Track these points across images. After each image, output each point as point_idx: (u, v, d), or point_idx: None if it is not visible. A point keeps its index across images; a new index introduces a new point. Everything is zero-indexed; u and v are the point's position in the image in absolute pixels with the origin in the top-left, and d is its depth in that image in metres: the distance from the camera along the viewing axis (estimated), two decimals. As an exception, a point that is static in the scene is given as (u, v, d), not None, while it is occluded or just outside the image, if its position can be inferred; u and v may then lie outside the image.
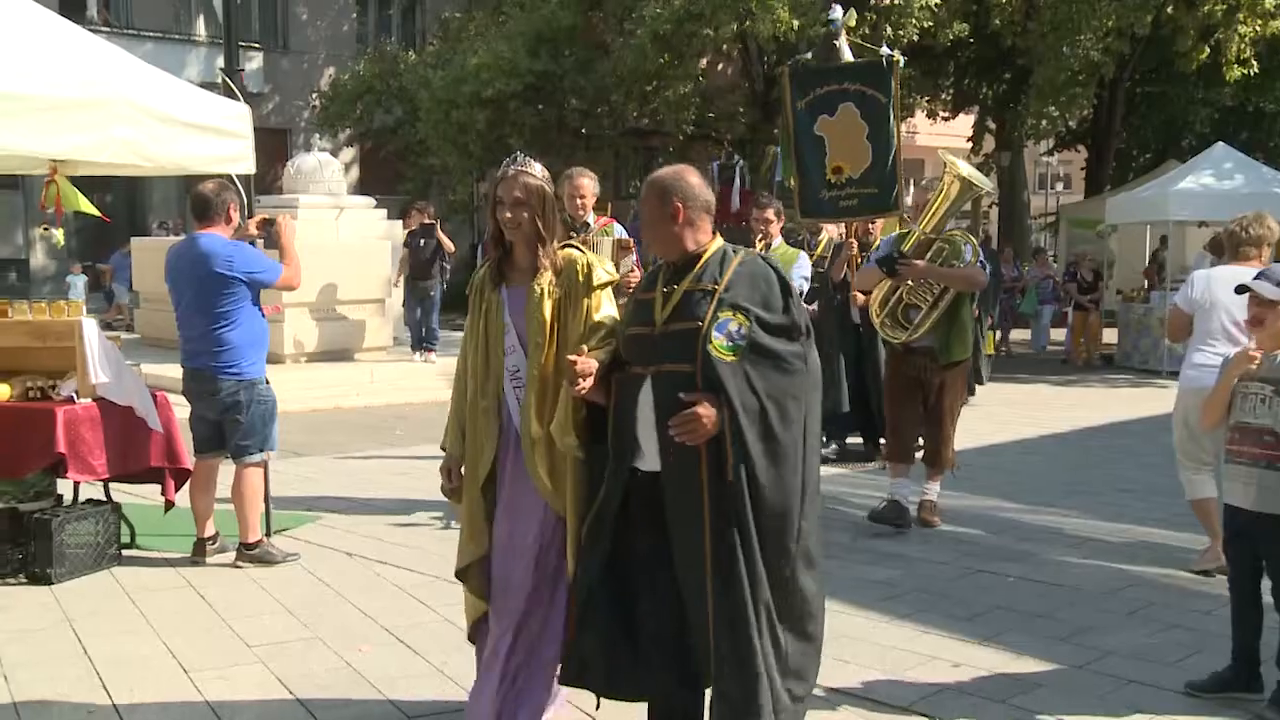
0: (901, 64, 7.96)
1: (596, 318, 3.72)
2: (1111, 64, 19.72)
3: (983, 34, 20.46)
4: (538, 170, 3.78)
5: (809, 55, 9.19)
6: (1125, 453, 9.93)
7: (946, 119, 26.59)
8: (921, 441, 7.25)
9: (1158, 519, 7.26)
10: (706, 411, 3.27)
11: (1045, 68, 19.45)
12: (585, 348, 3.58)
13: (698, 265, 3.49)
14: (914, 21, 18.24)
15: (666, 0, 19.36)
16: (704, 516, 3.33)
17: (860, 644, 4.95)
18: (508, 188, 3.74)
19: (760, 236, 7.10)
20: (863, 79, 7.83)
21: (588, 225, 6.89)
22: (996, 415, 11.43)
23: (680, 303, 3.44)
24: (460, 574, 3.90)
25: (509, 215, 3.72)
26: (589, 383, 3.49)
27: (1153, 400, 13.19)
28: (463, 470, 3.92)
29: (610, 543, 3.51)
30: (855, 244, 8.46)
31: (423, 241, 14.45)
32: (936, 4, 18.34)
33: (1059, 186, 44.03)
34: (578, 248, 3.87)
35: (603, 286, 3.78)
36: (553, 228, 3.78)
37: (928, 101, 25.04)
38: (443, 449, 3.97)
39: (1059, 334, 19.80)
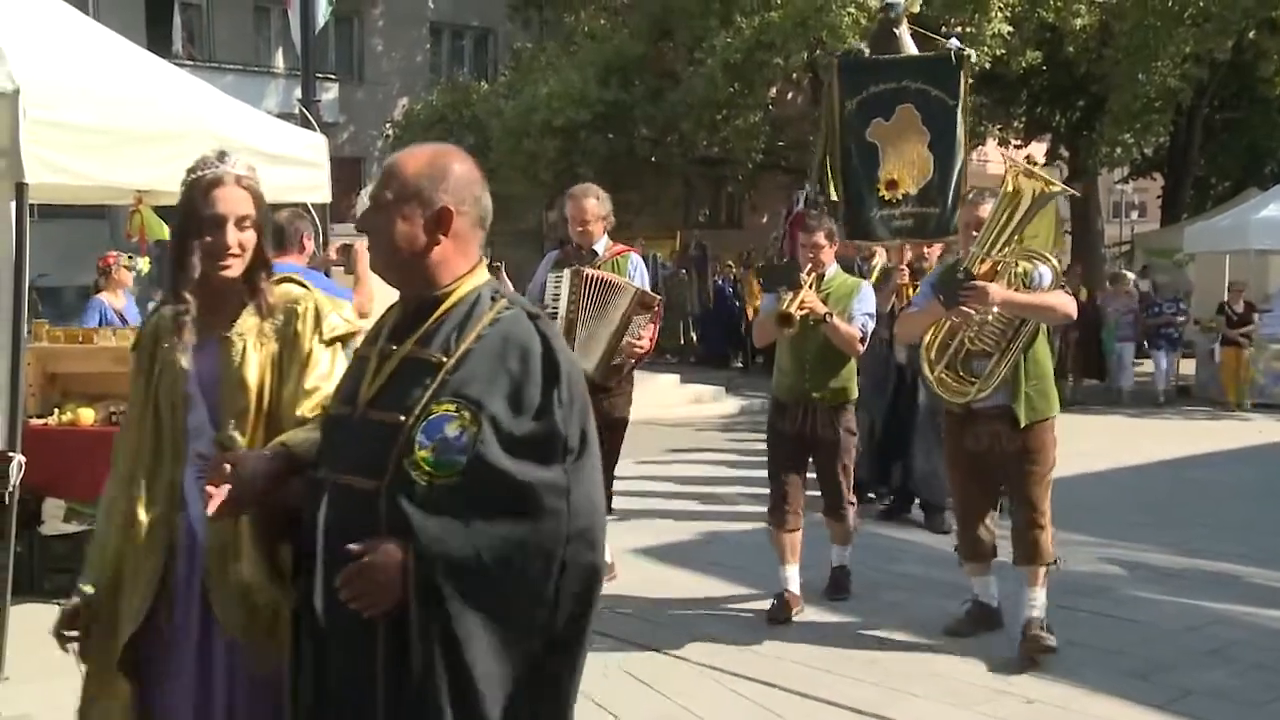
0: (973, 58, 6.99)
1: (307, 383, 2.57)
2: (1189, 90, 19.41)
3: (1056, 61, 20.26)
4: (245, 166, 2.72)
5: (863, 45, 7.92)
6: (1204, 486, 9.71)
7: (1018, 146, 26.31)
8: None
9: (1238, 554, 7.08)
10: (386, 563, 2.01)
11: (1120, 94, 19.20)
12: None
13: (435, 315, 2.18)
14: (986, 49, 18.11)
15: (737, 29, 19.43)
16: None
17: (931, 678, 4.89)
18: (228, 199, 2.61)
19: (809, 266, 5.63)
20: (926, 76, 6.64)
21: (594, 253, 5.94)
22: (1069, 447, 11.20)
23: (395, 375, 2.16)
24: None
25: (235, 239, 2.61)
26: (218, 499, 2.22)
27: (1232, 433, 12.90)
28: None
29: None
30: (907, 271, 7.21)
31: None
32: (1009, 31, 18.21)
33: (1134, 215, 43.31)
34: (300, 283, 2.77)
35: (333, 342, 2.65)
36: (267, 253, 2.72)
37: (999, 129, 24.82)
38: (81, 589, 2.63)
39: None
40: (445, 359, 2.11)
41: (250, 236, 2.64)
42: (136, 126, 5.64)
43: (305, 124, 7.21)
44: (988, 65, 18.31)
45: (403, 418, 2.07)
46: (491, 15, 28.59)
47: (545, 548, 2.06)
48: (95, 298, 8.29)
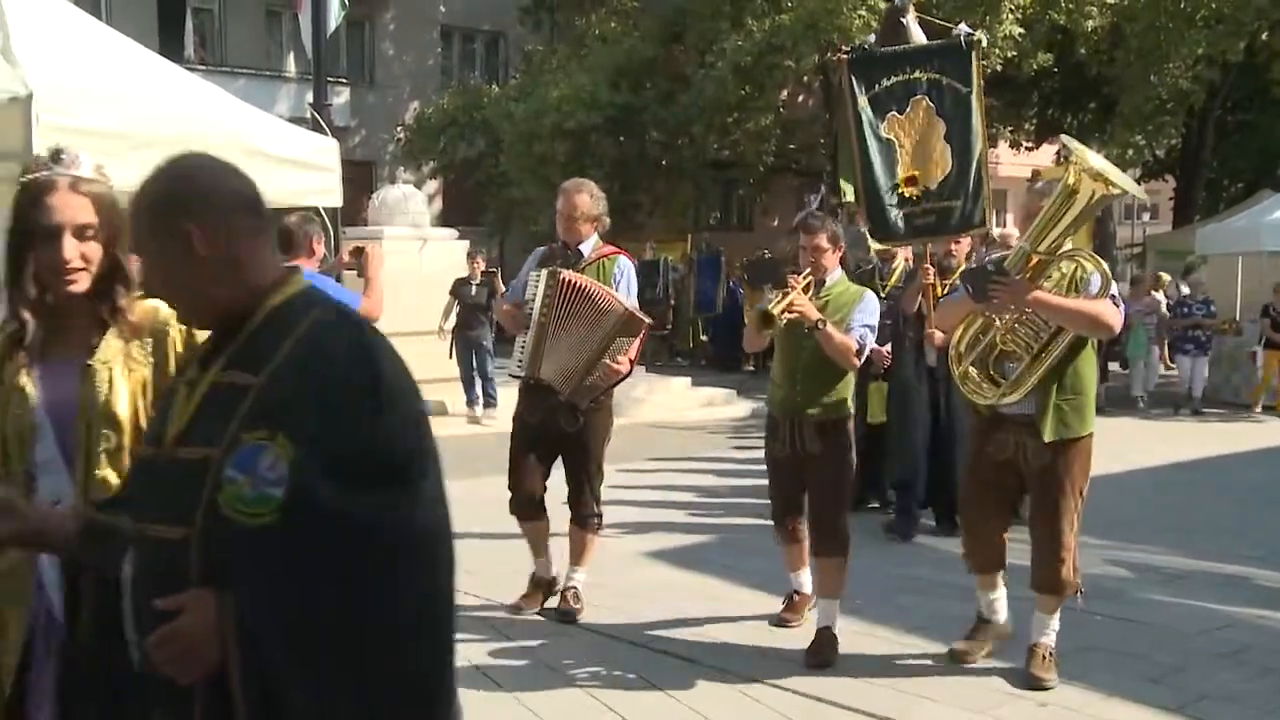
0: (983, 43, 6.61)
1: None
2: (1201, 92, 19.38)
3: (1067, 63, 20.24)
4: (91, 168, 2.40)
5: (871, 39, 7.59)
6: (1218, 489, 9.67)
7: (1030, 149, 26.31)
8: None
9: (1253, 557, 7.05)
10: (199, 624, 1.75)
11: (1132, 96, 19.18)
12: None
13: (241, 335, 1.91)
14: (998, 51, 18.10)
15: (747, 32, 19.45)
16: None
17: (943, 682, 4.87)
18: (63, 207, 2.30)
19: (807, 270, 5.21)
20: (937, 65, 6.44)
21: (580, 254, 5.53)
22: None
23: (203, 405, 1.88)
24: None
25: (75, 251, 2.30)
26: None
27: (1246, 436, 12.86)
28: None
29: None
30: (931, 270, 6.83)
31: (474, 289, 13.50)
32: (1020, 33, 18.19)
33: (1145, 217, 43.20)
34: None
35: None
36: (130, 264, 2.35)
37: (1011, 131, 24.80)
38: None
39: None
40: (255, 379, 1.82)
41: (94, 248, 2.32)
42: (149, 131, 5.66)
43: (316, 128, 7.23)
44: (999, 67, 18.31)
45: (211, 452, 1.79)
46: (502, 18, 28.64)
47: (379, 585, 1.79)
48: None
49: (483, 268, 14.16)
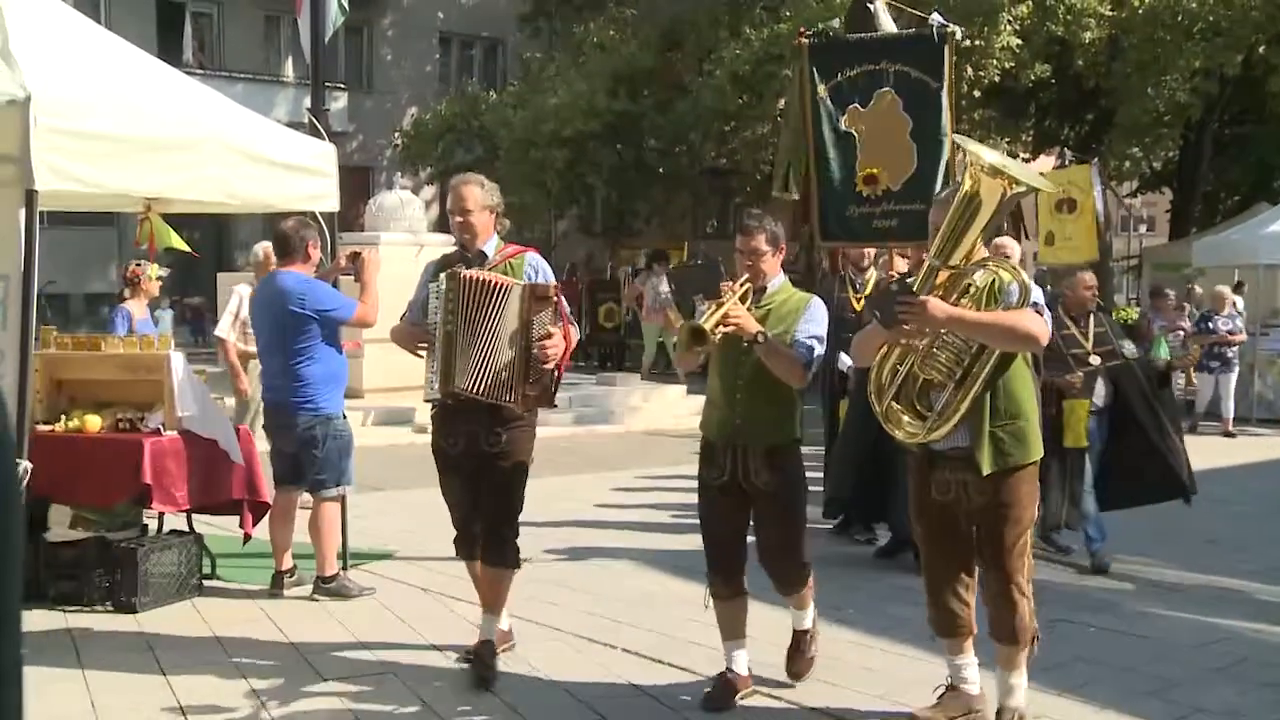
0: (958, 36, 6.12)
1: None
2: (1199, 105, 19.42)
3: (1065, 74, 20.28)
4: None
5: (836, 23, 7.05)
6: (1214, 502, 9.62)
7: (1027, 160, 26.37)
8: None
9: (1249, 571, 7.05)
10: None
11: (1129, 108, 19.23)
12: None
13: None
14: (995, 62, 18.14)
15: (745, 41, 19.48)
16: None
17: (935, 693, 4.85)
18: None
19: (744, 278, 4.58)
20: (907, 57, 5.96)
21: (484, 255, 4.99)
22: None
23: None
24: None
25: None
26: None
27: (1243, 449, 12.85)
28: None
29: None
30: (898, 276, 6.23)
31: None
32: (1018, 45, 18.23)
33: (1142, 229, 43.30)
34: None
35: None
36: None
37: (1008, 142, 24.84)
38: None
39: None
40: None
41: None
42: (147, 134, 5.65)
43: (314, 133, 7.20)
44: (997, 78, 18.33)
45: None
46: (501, 25, 28.70)
47: None
48: (122, 306, 8.30)
49: None
